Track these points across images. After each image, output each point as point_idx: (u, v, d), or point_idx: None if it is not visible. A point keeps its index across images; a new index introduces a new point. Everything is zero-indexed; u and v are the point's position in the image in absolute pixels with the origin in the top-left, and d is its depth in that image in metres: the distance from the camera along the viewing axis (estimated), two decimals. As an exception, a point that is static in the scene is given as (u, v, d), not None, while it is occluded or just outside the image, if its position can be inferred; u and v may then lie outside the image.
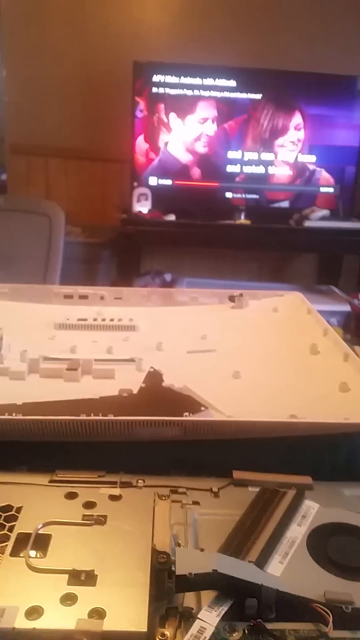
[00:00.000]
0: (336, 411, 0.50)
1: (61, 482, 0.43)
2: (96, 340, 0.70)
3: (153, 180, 2.11)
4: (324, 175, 2.10)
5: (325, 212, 2.00)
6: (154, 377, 0.58)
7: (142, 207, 2.07)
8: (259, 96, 2.02)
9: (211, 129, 2.07)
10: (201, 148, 2.09)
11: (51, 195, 2.29)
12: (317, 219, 1.96)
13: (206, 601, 0.33)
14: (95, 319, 0.75)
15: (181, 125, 2.06)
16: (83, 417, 0.47)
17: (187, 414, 0.49)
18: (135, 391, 0.55)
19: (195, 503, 0.43)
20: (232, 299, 0.79)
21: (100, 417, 0.47)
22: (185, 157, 2.10)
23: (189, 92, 2.01)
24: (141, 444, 0.48)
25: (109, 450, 0.48)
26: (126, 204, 2.11)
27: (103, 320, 0.75)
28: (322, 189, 2.10)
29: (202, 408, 0.51)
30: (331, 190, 2.10)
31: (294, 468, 0.46)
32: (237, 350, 0.67)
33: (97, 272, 2.18)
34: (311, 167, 2.10)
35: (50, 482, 0.43)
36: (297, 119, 2.06)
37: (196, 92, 2.02)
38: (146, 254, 2.21)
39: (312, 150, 2.08)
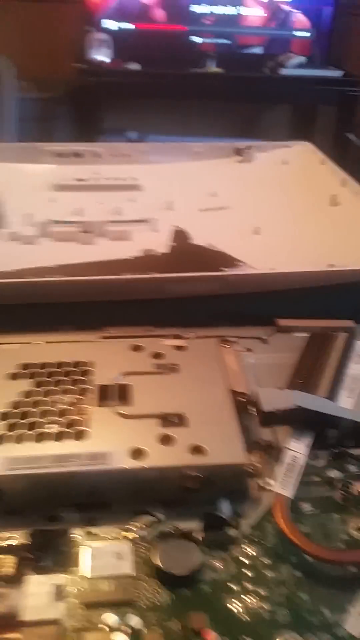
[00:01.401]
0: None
1: (114, 337, 0.44)
2: (102, 202, 0.68)
3: (111, 24, 1.92)
4: (299, 17, 1.96)
5: (301, 58, 1.89)
6: (179, 236, 0.57)
7: (101, 55, 1.90)
8: None
9: None
10: (164, -16, 1.89)
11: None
12: (293, 66, 1.86)
13: (282, 436, 0.36)
14: (96, 179, 0.72)
15: None
16: (128, 275, 0.47)
17: (224, 269, 0.50)
18: (160, 252, 0.55)
19: (249, 350, 0.45)
20: (238, 152, 0.76)
21: (144, 275, 0.47)
22: (147, -4, 1.90)
23: None
24: (181, 299, 0.49)
25: (150, 307, 0.48)
26: (82, 52, 1.93)
27: (105, 179, 0.72)
28: (297, 33, 1.97)
29: (240, 263, 0.51)
30: (307, 34, 1.97)
31: (332, 314, 0.48)
32: (252, 206, 0.66)
33: (52, 131, 2.04)
34: (285, 8, 1.94)
35: (102, 338, 0.44)
36: None
37: None
38: (107, 108, 2.07)
39: (287, -13, 1.92)
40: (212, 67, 1.89)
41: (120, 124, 2.08)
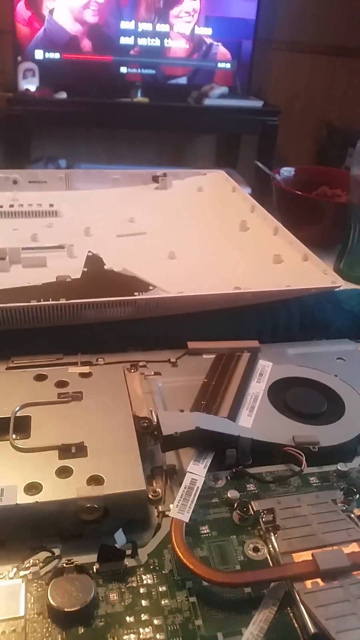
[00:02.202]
0: (274, 281, 0.52)
1: (20, 367, 0.43)
2: (17, 228, 0.66)
3: (39, 54, 1.91)
4: (221, 49, 2.02)
5: (224, 89, 1.94)
6: (94, 261, 0.57)
7: (29, 84, 1.89)
8: None
9: (100, -6, 1.88)
10: (91, 17, 1.91)
11: None
12: (216, 96, 1.91)
13: (185, 459, 0.35)
14: (11, 205, 0.70)
15: (66, -12, 1.85)
16: (34, 302, 0.45)
17: (137, 293, 0.49)
18: (72, 277, 0.54)
19: (157, 374, 0.44)
20: (155, 179, 0.76)
21: (53, 302, 0.45)
22: (73, 27, 1.91)
23: None
24: (92, 325, 0.48)
25: (61, 335, 0.47)
26: (10, 81, 1.92)
27: (21, 206, 0.70)
28: (220, 65, 2.03)
29: (151, 287, 0.51)
30: (228, 66, 2.03)
31: (240, 334, 0.49)
32: (168, 231, 0.66)
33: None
34: (208, 40, 2.00)
35: (7, 369, 0.42)
36: (191, -15, 1.92)
37: None
38: (37, 137, 2.05)
39: (208, 22, 1.97)
40: (138, 97, 1.91)
41: (49, 152, 2.06)
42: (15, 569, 0.29)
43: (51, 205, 0.71)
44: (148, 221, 0.69)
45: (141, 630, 0.27)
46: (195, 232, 0.66)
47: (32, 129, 1.95)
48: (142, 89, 1.92)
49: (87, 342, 0.47)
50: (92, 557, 0.29)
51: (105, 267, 0.56)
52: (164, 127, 1.97)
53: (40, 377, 0.39)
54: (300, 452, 0.35)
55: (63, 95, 1.87)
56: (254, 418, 0.38)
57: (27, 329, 0.46)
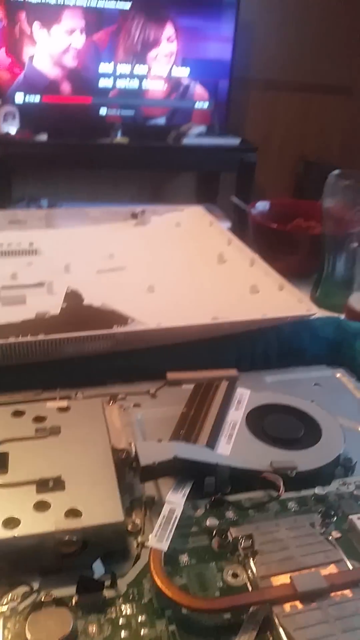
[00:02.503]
0: (251, 310, 0.53)
1: (-1, 404, 0.43)
2: (-5, 268, 0.67)
3: (19, 97, 1.96)
4: (198, 89, 2.09)
5: (201, 128, 2.00)
6: (73, 297, 0.58)
7: (10, 126, 1.93)
8: (127, 5, 1.92)
9: (79, 40, 1.95)
10: (70, 61, 1.97)
11: None
12: (194, 135, 1.96)
13: (165, 490, 0.36)
14: (-9, 245, 0.72)
15: (47, 36, 1.92)
16: (12, 339, 0.46)
17: (116, 326, 0.50)
18: (52, 314, 0.55)
19: (136, 405, 0.45)
20: (134, 216, 0.78)
21: (32, 338, 0.46)
22: (53, 72, 1.97)
23: (52, 0, 1.86)
24: (71, 360, 0.49)
25: (40, 370, 0.48)
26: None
27: (1, 245, 0.72)
28: (197, 104, 2.09)
29: (130, 320, 0.52)
30: (206, 105, 2.10)
31: (219, 364, 0.50)
32: (147, 266, 0.68)
33: None
34: (185, 81, 2.07)
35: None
36: (168, 30, 2.00)
37: (60, 0, 1.87)
38: (18, 179, 2.08)
39: (185, 63, 2.04)
40: (118, 138, 1.96)
41: (31, 192, 2.10)
42: (-7, 605, 0.29)
43: (31, 244, 0.72)
44: (127, 256, 0.70)
45: (120, 662, 0.27)
46: (174, 266, 0.67)
47: (13, 170, 1.98)
48: (122, 130, 1.98)
49: (66, 376, 0.47)
50: (71, 590, 0.29)
51: (85, 302, 0.57)
52: (144, 167, 2.02)
53: (18, 414, 0.40)
54: (277, 478, 0.35)
55: (44, 137, 1.92)
56: (232, 445, 0.38)
57: (6, 366, 0.47)
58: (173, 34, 2.01)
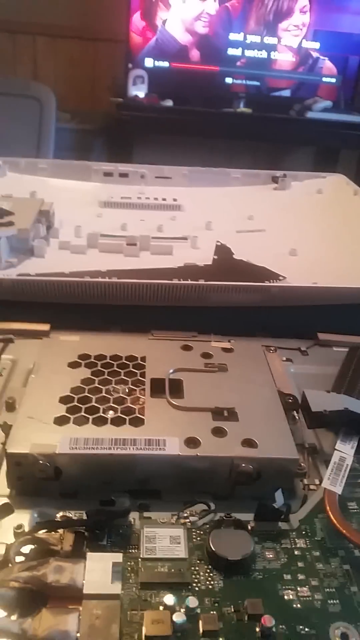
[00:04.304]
0: None
1: (161, 339, 0.44)
2: (144, 219, 0.69)
3: (149, 62, 1.97)
4: (327, 64, 2.00)
5: (327, 103, 1.93)
6: (223, 250, 0.58)
7: (138, 90, 1.95)
8: (265, -29, 1.86)
9: (212, 7, 1.92)
10: (201, 28, 1.95)
11: (39, 78, 2.13)
12: (319, 110, 1.89)
13: (324, 441, 0.36)
14: (139, 197, 0.73)
15: (180, 2, 1.90)
16: (175, 281, 0.47)
17: (268, 281, 0.50)
18: (201, 265, 0.55)
19: (288, 360, 0.45)
20: (275, 179, 0.77)
21: (192, 282, 0.47)
22: (184, 38, 1.96)
23: None
24: (222, 309, 0.49)
25: (193, 315, 0.49)
26: (120, 87, 1.98)
27: (147, 198, 0.73)
28: (325, 79, 2.01)
29: (281, 277, 0.52)
30: (333, 80, 2.01)
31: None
32: (287, 230, 0.67)
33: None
34: (314, 54, 1.99)
35: (151, 339, 0.44)
36: (302, 0, 1.92)
37: (198, -36, 1.84)
38: (140, 143, 2.11)
39: (316, 36, 1.96)
40: (241, 107, 1.93)
41: (149, 158, 2.12)
42: (175, 517, 0.30)
43: (175, 199, 0.73)
44: (267, 219, 0.69)
45: (298, 588, 0.27)
46: (316, 231, 0.66)
47: (136, 134, 2.01)
48: (246, 100, 1.94)
49: (216, 324, 0.48)
50: (247, 516, 0.30)
51: (235, 256, 0.57)
52: (265, 138, 1.98)
53: (186, 348, 0.41)
54: None
55: (169, 103, 1.92)
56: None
57: (162, 307, 0.48)
58: (307, 5, 1.93)
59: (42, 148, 1.89)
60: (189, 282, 0.47)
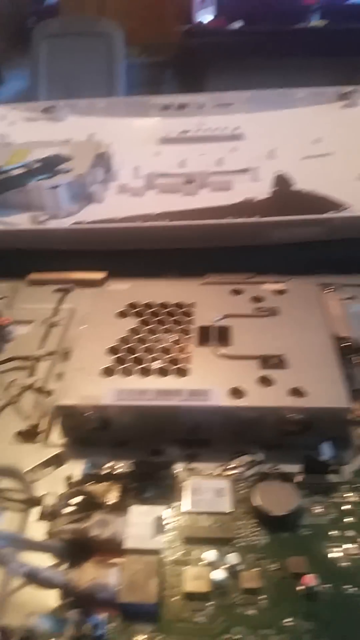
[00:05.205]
0: None
1: (215, 283, 0.41)
2: (204, 153, 0.64)
3: (216, -17, 1.81)
4: None
5: None
6: (282, 182, 0.53)
7: (204, 15, 1.81)
8: None
9: None
10: None
11: (105, 14, 2.03)
12: None
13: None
14: (198, 130, 0.68)
15: None
16: (229, 220, 0.43)
17: (330, 212, 0.45)
18: (260, 199, 0.50)
19: (351, 298, 0.40)
20: (343, 96, 0.69)
21: (246, 220, 0.43)
22: None
23: None
24: (281, 246, 0.45)
25: (251, 255, 0.45)
26: (187, 12, 1.85)
27: (207, 130, 0.68)
28: None
29: (345, 206, 0.46)
30: None
31: None
32: (357, 153, 0.59)
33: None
34: None
35: (202, 284, 0.42)
36: None
37: None
38: (211, 71, 1.98)
39: None
40: (315, 21, 1.74)
41: (223, 86, 1.99)
42: (220, 469, 0.28)
43: (236, 128, 0.67)
44: (335, 141, 0.62)
45: (345, 545, 0.25)
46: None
47: (207, 61, 1.88)
48: (320, 12, 1.74)
49: (277, 262, 0.44)
50: (294, 467, 0.28)
51: (294, 187, 0.52)
52: (343, 52, 1.78)
53: (237, 292, 0.38)
54: None
55: (239, 24, 1.77)
56: None
57: (218, 248, 0.45)
58: None
59: (112, 86, 1.83)
60: (242, 220, 0.43)
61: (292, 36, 1.76)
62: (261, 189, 0.53)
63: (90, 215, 0.50)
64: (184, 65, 1.87)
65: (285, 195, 0.50)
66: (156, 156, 0.64)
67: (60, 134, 0.68)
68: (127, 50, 1.81)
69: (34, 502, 0.27)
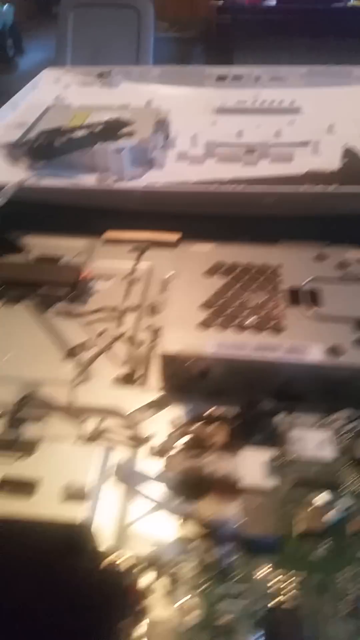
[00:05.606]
0: None
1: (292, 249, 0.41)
2: (260, 125, 0.63)
3: None
4: None
5: None
6: (351, 154, 0.53)
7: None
8: None
9: None
10: None
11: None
12: None
13: None
14: (254, 102, 0.67)
15: None
16: (305, 188, 0.43)
17: None
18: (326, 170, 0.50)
19: None
20: None
21: (313, 189, 0.43)
22: None
23: None
24: (355, 217, 0.45)
25: (322, 224, 0.45)
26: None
27: (263, 102, 0.67)
28: None
29: None
30: None
31: None
32: None
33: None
34: None
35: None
36: None
37: None
38: (240, 48, 1.95)
39: None
40: (353, 1, 1.71)
41: (251, 63, 1.96)
42: (320, 421, 0.29)
43: (292, 102, 0.67)
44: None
45: None
46: None
47: (237, 38, 1.85)
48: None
49: (351, 234, 0.44)
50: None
51: (361, 160, 0.52)
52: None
53: (321, 257, 0.38)
54: None
55: (272, 1, 1.74)
56: None
57: (290, 217, 0.45)
58: None
59: (141, 59, 1.80)
60: (321, 188, 0.43)
61: (328, 15, 1.73)
62: (323, 162, 0.53)
63: (152, 180, 0.50)
64: (213, 42, 1.85)
65: (356, 167, 0.50)
66: (213, 126, 0.64)
67: (116, 99, 0.67)
68: (156, 24, 1.78)
69: (140, 440, 0.28)
